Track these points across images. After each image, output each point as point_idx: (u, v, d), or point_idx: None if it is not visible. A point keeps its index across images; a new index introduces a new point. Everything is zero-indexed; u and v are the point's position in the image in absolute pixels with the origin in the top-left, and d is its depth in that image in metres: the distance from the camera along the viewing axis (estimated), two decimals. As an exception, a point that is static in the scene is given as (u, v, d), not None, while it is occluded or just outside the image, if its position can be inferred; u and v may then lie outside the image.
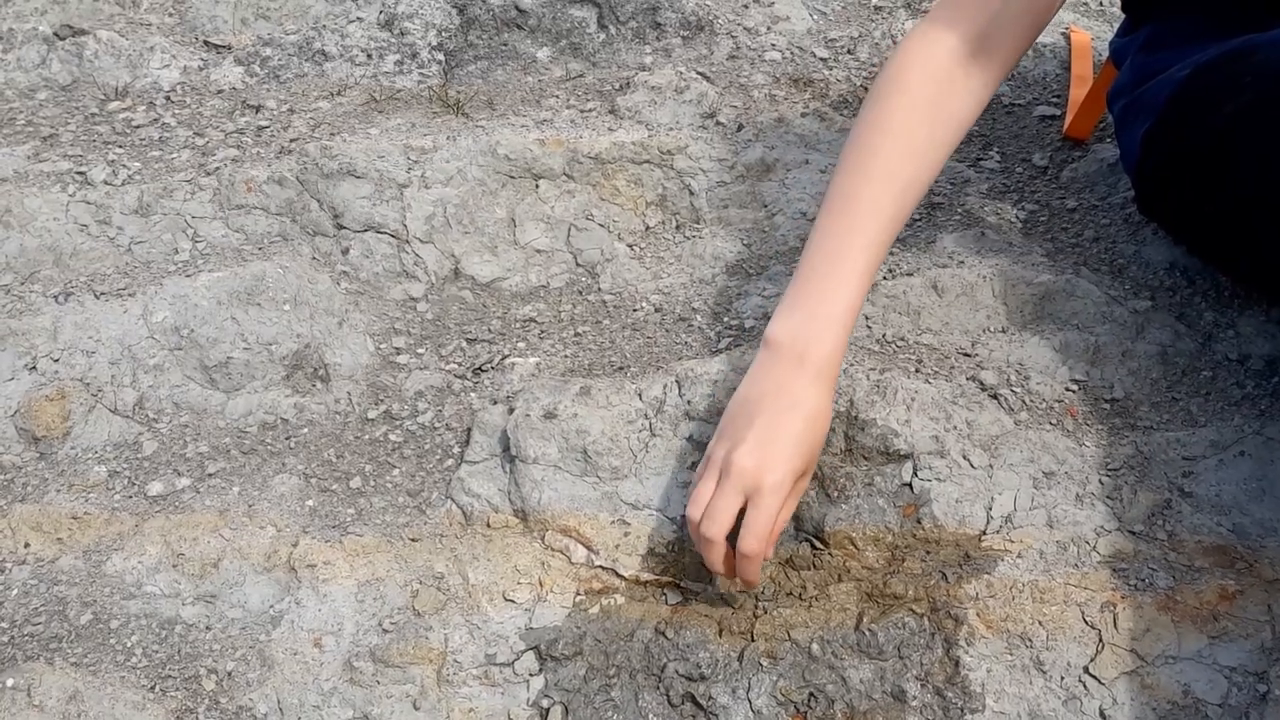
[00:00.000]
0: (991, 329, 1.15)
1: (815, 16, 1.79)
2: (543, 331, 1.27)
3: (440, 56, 1.73)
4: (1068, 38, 1.70)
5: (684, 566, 1.01)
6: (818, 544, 1.00)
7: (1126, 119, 1.20)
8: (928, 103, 1.00)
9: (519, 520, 1.05)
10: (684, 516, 0.96)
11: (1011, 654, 0.92)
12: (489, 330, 1.28)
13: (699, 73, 1.60)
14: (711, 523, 0.90)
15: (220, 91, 1.67)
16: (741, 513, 0.90)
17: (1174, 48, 1.18)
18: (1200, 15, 1.17)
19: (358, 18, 1.79)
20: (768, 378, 0.93)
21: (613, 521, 1.03)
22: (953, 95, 1.01)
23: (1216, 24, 1.14)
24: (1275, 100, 0.96)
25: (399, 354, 1.25)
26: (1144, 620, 0.91)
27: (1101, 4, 1.85)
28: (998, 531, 0.98)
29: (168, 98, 1.67)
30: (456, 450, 1.13)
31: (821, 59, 1.69)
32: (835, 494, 1.01)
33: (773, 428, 0.90)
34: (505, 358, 1.23)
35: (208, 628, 1.00)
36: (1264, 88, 0.98)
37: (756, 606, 0.97)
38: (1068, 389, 1.09)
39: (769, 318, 1.19)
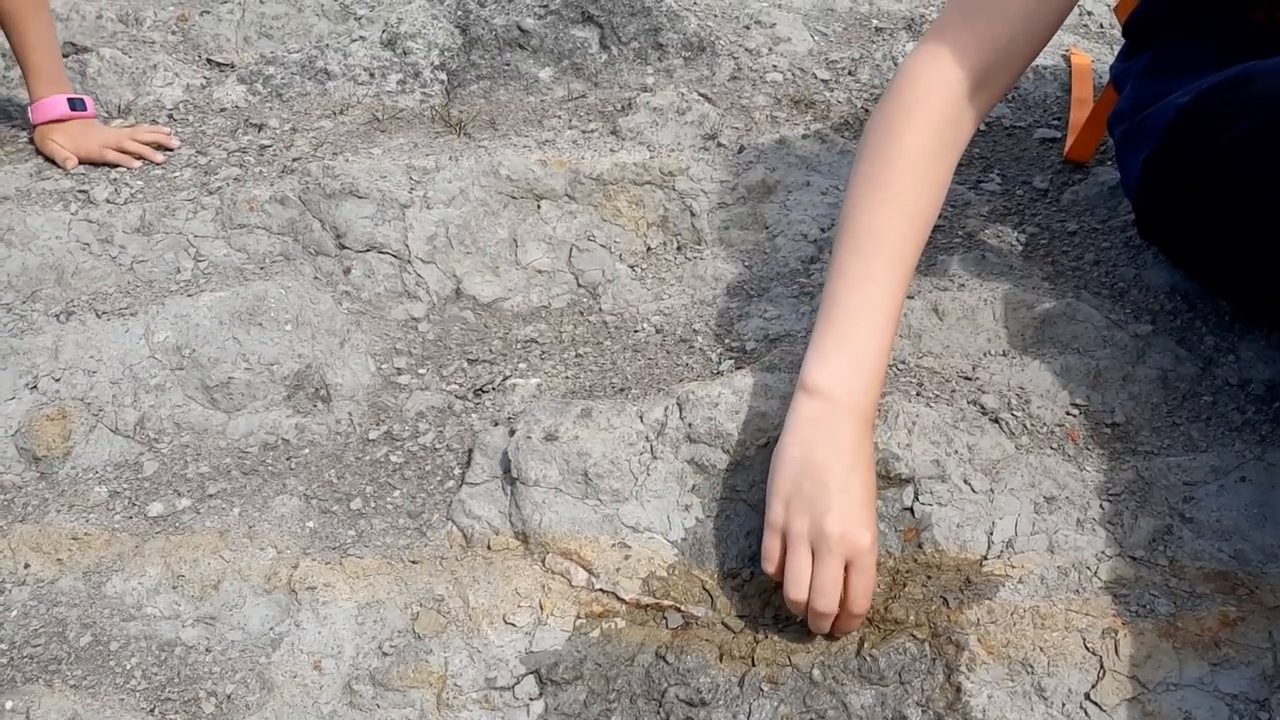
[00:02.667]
0: (992, 352, 1.15)
1: (817, 38, 1.80)
2: (544, 352, 1.27)
3: (443, 76, 1.74)
4: (1068, 60, 1.71)
5: (685, 590, 1.01)
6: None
7: (1127, 144, 1.21)
8: (940, 136, 1.01)
9: (520, 543, 1.05)
10: (769, 580, 0.96)
11: (1013, 680, 0.91)
12: (490, 351, 1.28)
13: (701, 94, 1.61)
14: (827, 598, 0.90)
15: (223, 110, 1.68)
16: None
17: (1174, 74, 1.18)
18: (1201, 42, 1.17)
19: (361, 36, 1.79)
20: (822, 432, 0.92)
21: (613, 544, 1.03)
22: (959, 126, 1.02)
23: (1217, 51, 1.14)
24: (1274, 127, 0.97)
25: (400, 374, 1.25)
26: (1145, 647, 0.91)
27: (1102, 26, 1.86)
28: (999, 556, 0.98)
29: (170, 116, 1.67)
30: (457, 472, 1.13)
31: (823, 80, 1.70)
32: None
33: (848, 489, 0.90)
34: (506, 378, 1.23)
35: (208, 650, 1.00)
36: (1264, 114, 0.98)
37: (757, 631, 0.97)
38: (1068, 413, 1.09)
39: (770, 340, 1.20)
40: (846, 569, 0.90)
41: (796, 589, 0.91)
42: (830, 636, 0.95)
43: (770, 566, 0.93)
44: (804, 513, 0.91)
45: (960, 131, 1.02)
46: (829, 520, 0.89)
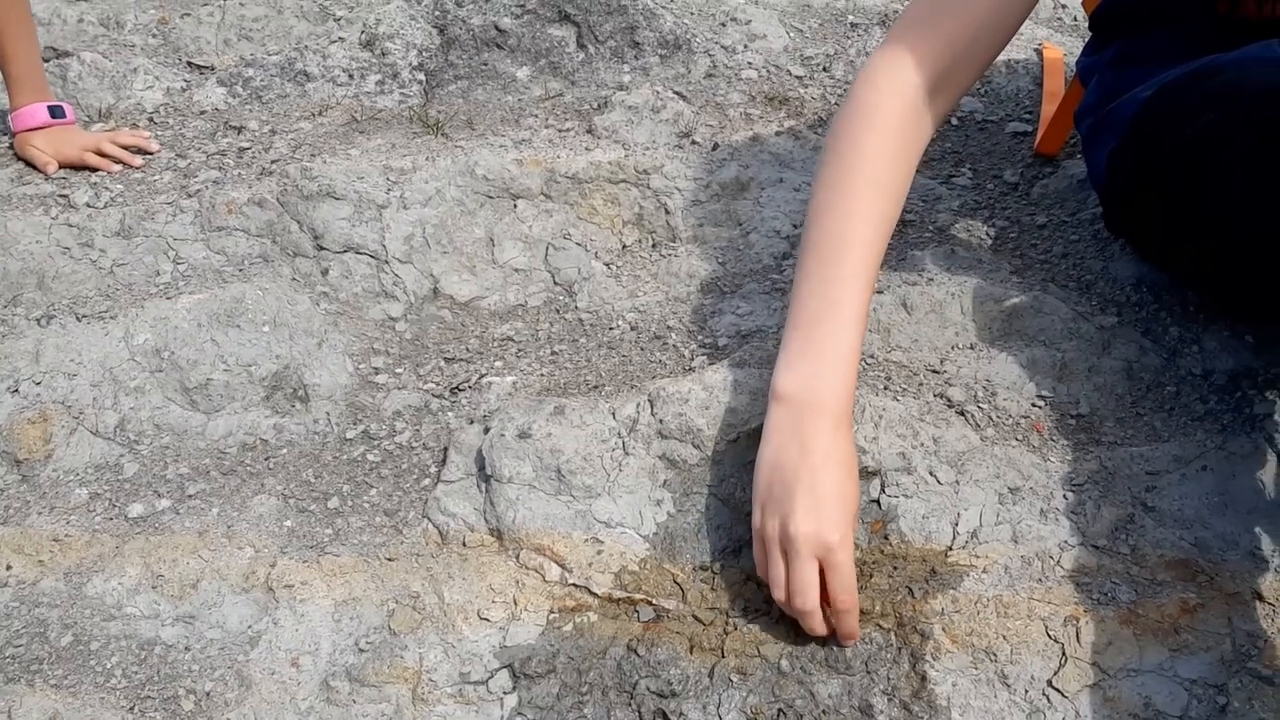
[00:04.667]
0: (960, 346, 1.16)
1: (792, 34, 1.81)
2: (520, 350, 1.28)
3: (421, 76, 1.75)
4: (1040, 54, 1.72)
5: (656, 584, 1.02)
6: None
7: (1093, 138, 1.22)
8: (901, 139, 1.02)
9: (494, 539, 1.06)
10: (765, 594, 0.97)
11: (976, 668, 0.93)
12: (467, 349, 1.29)
13: (676, 92, 1.62)
14: (802, 596, 0.91)
15: (203, 112, 1.69)
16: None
17: (1140, 66, 1.19)
18: (1166, 34, 1.18)
19: (339, 38, 1.80)
20: (791, 436, 0.94)
21: (586, 540, 1.04)
22: (919, 128, 1.03)
23: (1182, 43, 1.15)
24: (1238, 119, 0.97)
25: (378, 374, 1.26)
26: (1106, 634, 0.92)
27: (1076, 20, 1.87)
28: (963, 547, 0.99)
29: (151, 119, 1.68)
30: (433, 470, 1.14)
31: (797, 77, 1.71)
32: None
33: (815, 488, 0.91)
34: (483, 377, 1.24)
35: (187, 648, 1.01)
36: (1229, 107, 0.99)
37: (727, 623, 0.99)
38: (1034, 405, 1.10)
39: (742, 336, 1.21)
40: (821, 568, 0.91)
41: (777, 591, 0.93)
42: (825, 638, 0.95)
43: (760, 572, 0.95)
44: (774, 515, 0.92)
45: (922, 131, 1.04)
46: (793, 521, 0.90)
